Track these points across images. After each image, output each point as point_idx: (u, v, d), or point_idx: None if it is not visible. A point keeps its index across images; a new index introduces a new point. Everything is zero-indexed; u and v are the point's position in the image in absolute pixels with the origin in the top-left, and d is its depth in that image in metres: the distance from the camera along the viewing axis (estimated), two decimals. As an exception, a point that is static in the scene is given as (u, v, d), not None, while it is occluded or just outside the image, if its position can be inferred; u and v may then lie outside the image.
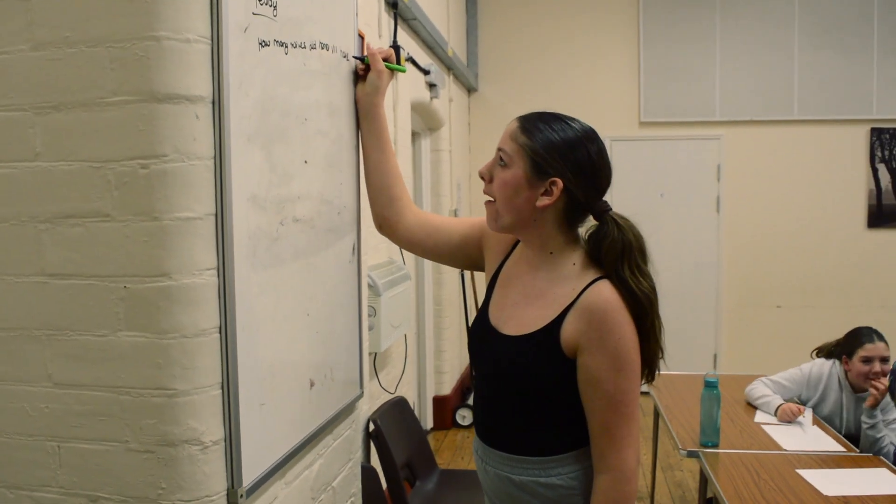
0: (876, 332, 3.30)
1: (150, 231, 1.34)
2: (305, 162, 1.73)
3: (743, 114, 6.31)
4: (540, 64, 6.46)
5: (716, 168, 6.39)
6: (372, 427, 2.99)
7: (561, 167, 1.53)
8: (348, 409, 2.08)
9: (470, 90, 6.53)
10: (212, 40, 1.39)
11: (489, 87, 6.55)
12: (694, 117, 6.36)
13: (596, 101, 6.34)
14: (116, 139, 1.34)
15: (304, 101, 1.72)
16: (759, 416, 3.26)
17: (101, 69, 1.34)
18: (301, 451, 1.74)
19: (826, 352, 3.51)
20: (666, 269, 6.72)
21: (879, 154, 6.22)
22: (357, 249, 2.09)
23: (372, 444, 3.02)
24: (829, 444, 2.98)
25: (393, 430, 3.09)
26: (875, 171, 6.24)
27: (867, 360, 3.22)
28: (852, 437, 3.20)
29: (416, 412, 5.08)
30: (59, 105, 1.37)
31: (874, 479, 2.60)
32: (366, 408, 2.97)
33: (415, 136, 5.03)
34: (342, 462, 2.06)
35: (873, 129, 6.20)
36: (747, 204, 6.37)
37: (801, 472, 2.66)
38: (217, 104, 1.39)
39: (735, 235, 6.41)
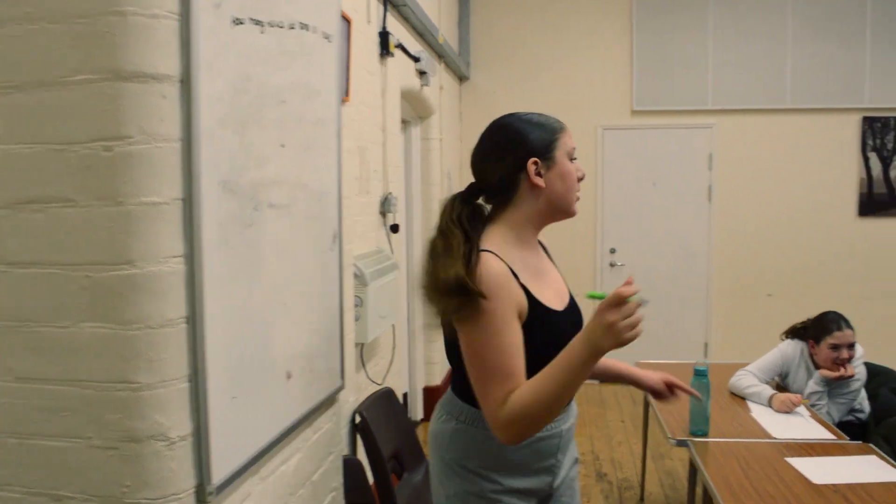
0: (843, 318, 3.38)
1: (114, 217, 1.27)
2: (282, 145, 1.67)
3: (735, 102, 6.26)
4: (532, 52, 6.38)
5: (707, 157, 6.34)
6: (358, 419, 2.93)
7: None
8: (329, 401, 2.03)
9: (461, 78, 6.46)
10: (181, 16, 1.33)
11: (481, 76, 6.48)
12: (686, 106, 6.31)
13: (588, 89, 6.29)
14: (79, 120, 1.28)
15: (281, 82, 1.65)
16: (755, 409, 3.23)
17: (64, 46, 1.28)
18: (277, 445, 1.69)
19: (795, 333, 3.59)
20: (657, 257, 6.77)
21: (871, 143, 6.18)
22: (338, 237, 2.03)
23: (358, 437, 2.97)
24: (818, 431, 2.96)
25: (380, 421, 3.03)
26: (866, 160, 6.21)
27: (835, 348, 3.30)
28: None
29: (409, 403, 5.03)
30: (20, 85, 1.31)
31: (863, 467, 2.57)
32: (352, 400, 2.92)
33: (405, 124, 4.97)
34: (323, 456, 2.01)
35: (865, 118, 6.16)
36: (739, 193, 6.33)
37: (791, 460, 2.63)
38: (186, 83, 1.33)
39: (726, 224, 6.37)
